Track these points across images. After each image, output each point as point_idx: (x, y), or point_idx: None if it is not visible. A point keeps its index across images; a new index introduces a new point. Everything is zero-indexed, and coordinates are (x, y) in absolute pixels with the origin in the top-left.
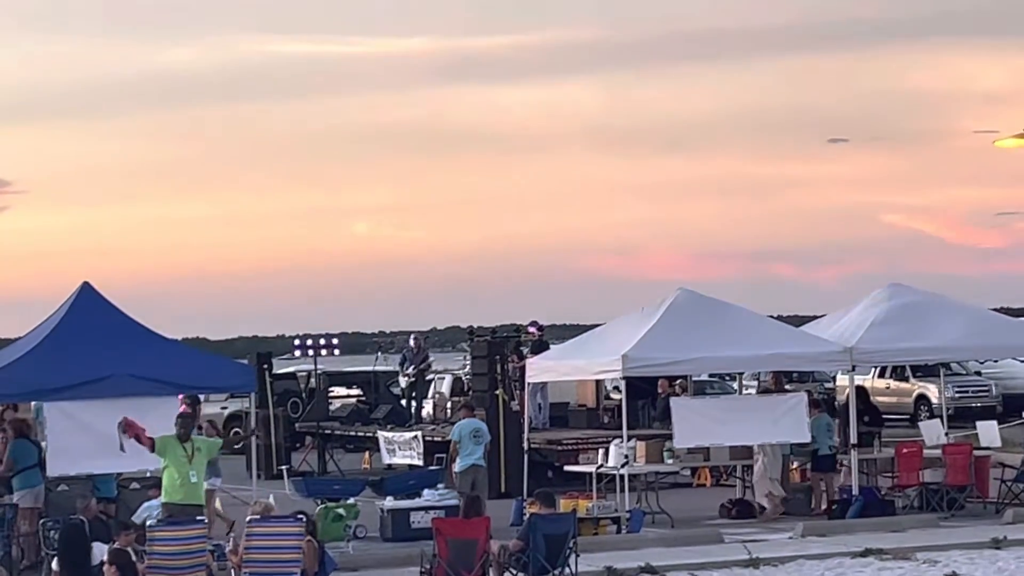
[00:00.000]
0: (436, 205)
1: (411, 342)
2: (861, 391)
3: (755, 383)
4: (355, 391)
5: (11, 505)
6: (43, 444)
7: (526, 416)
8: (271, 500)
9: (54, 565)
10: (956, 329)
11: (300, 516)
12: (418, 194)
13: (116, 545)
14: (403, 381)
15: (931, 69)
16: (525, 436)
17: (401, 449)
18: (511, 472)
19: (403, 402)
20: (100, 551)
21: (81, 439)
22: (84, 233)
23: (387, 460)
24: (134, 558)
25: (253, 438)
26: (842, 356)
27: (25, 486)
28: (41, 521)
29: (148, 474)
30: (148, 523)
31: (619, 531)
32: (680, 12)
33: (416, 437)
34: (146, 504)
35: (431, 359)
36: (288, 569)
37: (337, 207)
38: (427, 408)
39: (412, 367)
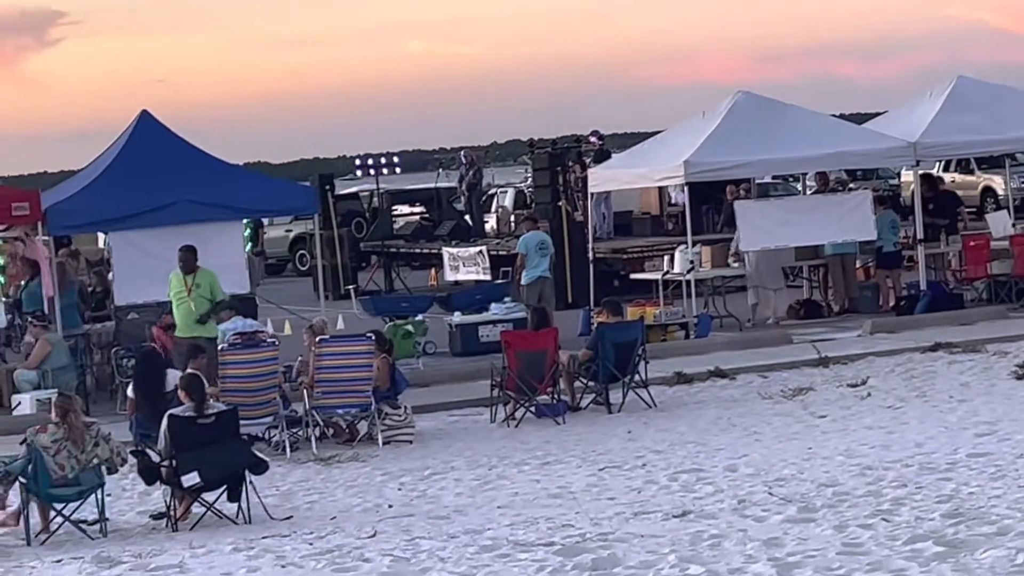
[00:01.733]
0: (491, 19)
1: (462, 157)
2: (930, 179)
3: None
4: (418, 208)
5: (83, 335)
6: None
7: (590, 226)
8: (320, 320)
9: (129, 392)
10: (1021, 120)
11: (370, 335)
12: (472, 7)
13: (189, 370)
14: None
15: None
16: (590, 246)
17: (466, 265)
18: (577, 283)
19: (466, 217)
20: (173, 377)
21: (147, 267)
22: (141, 61)
23: (452, 276)
24: (206, 383)
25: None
26: (906, 151)
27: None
28: (114, 350)
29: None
30: (220, 347)
31: (687, 336)
32: None
33: (481, 252)
34: (219, 327)
35: (482, 174)
36: (360, 387)
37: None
38: (490, 222)
39: (463, 183)
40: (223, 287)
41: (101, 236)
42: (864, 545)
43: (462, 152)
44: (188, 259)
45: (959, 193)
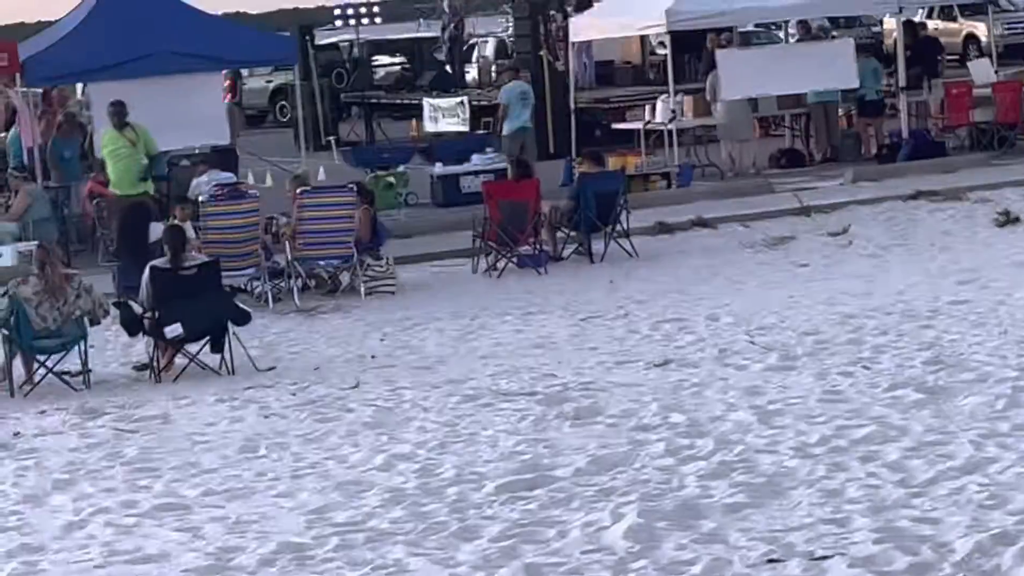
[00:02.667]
0: None
1: (445, 5)
2: (911, 25)
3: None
4: (399, 59)
5: (63, 187)
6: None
7: (571, 76)
8: (304, 170)
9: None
10: None
11: (352, 186)
12: None
13: (173, 221)
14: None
15: None
16: (571, 96)
17: (447, 115)
18: (559, 133)
19: (447, 68)
20: (155, 230)
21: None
22: None
23: (433, 127)
24: (191, 234)
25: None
26: None
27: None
28: (95, 201)
29: (196, 151)
30: (200, 198)
31: (669, 186)
32: None
33: (462, 102)
34: (196, 180)
35: (464, 25)
36: (342, 239)
37: None
38: (471, 73)
39: (445, 32)
40: (205, 139)
41: (79, 87)
42: (844, 392)
43: (446, 2)
44: (121, 113)
45: (942, 40)
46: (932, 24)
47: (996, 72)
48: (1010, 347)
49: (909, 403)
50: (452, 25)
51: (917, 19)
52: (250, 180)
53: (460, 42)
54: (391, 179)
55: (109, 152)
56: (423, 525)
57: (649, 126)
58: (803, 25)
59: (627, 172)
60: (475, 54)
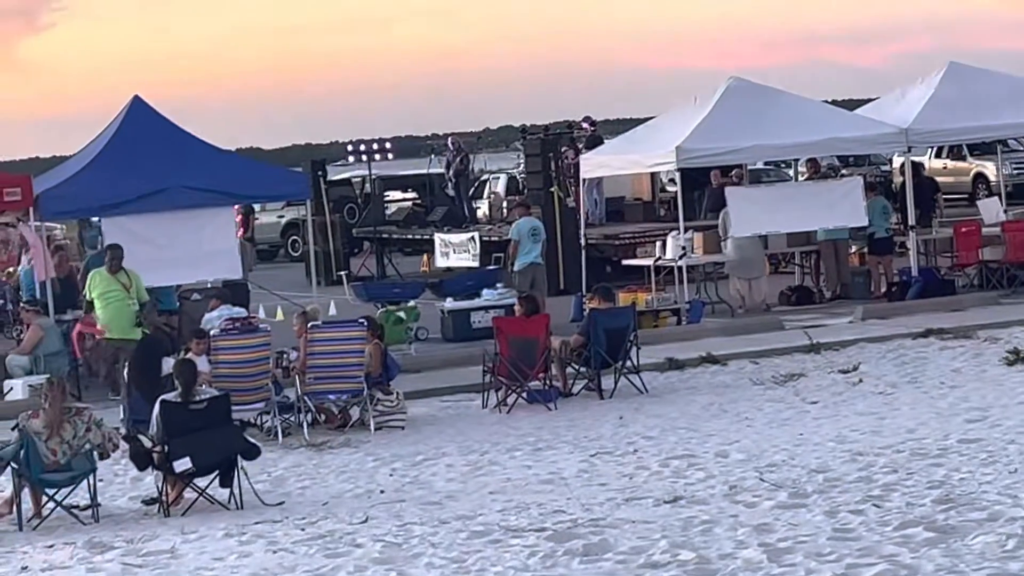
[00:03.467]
0: (483, 3)
1: (449, 144)
2: (913, 165)
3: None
4: (410, 194)
5: (72, 321)
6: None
7: (582, 212)
8: (313, 307)
9: (125, 375)
10: (1013, 106)
11: (362, 320)
12: None
13: (188, 353)
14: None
15: None
16: (582, 232)
17: (458, 251)
18: (569, 269)
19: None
20: (166, 364)
21: (140, 253)
22: (131, 47)
23: (444, 262)
24: (204, 367)
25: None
26: (897, 137)
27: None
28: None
29: (209, 285)
30: (212, 332)
31: (679, 322)
32: None
33: (472, 238)
34: (208, 315)
35: (470, 160)
36: (352, 373)
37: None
38: (482, 208)
39: (451, 169)
40: (217, 273)
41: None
42: (855, 530)
43: (449, 139)
44: (118, 257)
45: (951, 180)
46: (940, 163)
47: (1005, 211)
48: (1021, 486)
49: (920, 542)
50: (458, 160)
51: (926, 159)
52: (261, 314)
53: (466, 177)
54: (402, 314)
55: (100, 294)
56: None
57: (659, 262)
58: (812, 163)
59: (637, 308)
60: (487, 190)
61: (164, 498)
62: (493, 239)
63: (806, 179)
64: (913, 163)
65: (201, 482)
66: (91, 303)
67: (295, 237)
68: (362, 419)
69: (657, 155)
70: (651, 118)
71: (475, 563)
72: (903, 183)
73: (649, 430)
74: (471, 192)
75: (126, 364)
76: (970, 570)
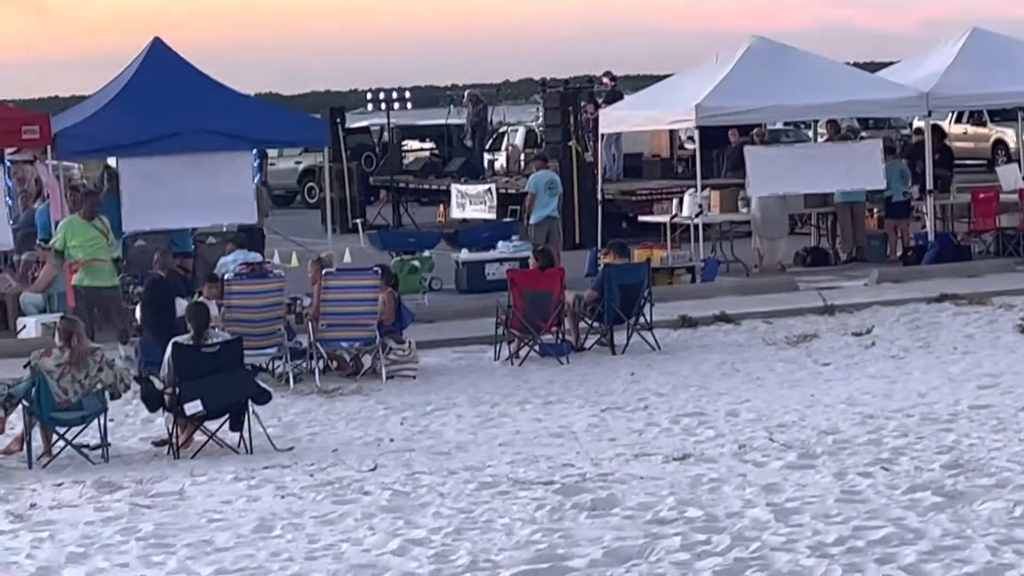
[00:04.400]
0: None
1: (467, 96)
2: (938, 131)
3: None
4: (428, 144)
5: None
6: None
7: (600, 167)
8: (327, 253)
9: (137, 315)
10: None
11: (376, 269)
12: None
13: (200, 297)
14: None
15: None
16: (599, 187)
17: (474, 202)
18: (585, 223)
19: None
20: (179, 306)
21: (156, 195)
22: None
23: (460, 213)
24: (215, 312)
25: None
26: (918, 101)
27: None
28: (120, 276)
29: (224, 228)
30: (226, 277)
31: (693, 280)
32: None
33: (489, 190)
34: (223, 259)
35: (488, 112)
36: (365, 321)
37: None
38: (500, 160)
39: (467, 121)
40: (233, 217)
41: (111, 161)
42: (863, 493)
43: (467, 91)
44: (97, 204)
45: (971, 145)
46: (961, 129)
47: (1023, 178)
48: None
49: (927, 506)
50: (475, 112)
51: (946, 124)
52: (276, 260)
53: (483, 129)
54: (416, 263)
55: (81, 243)
56: None
57: (675, 220)
58: (832, 124)
59: (652, 265)
60: (504, 142)
61: (174, 440)
62: (510, 191)
63: (826, 140)
64: (937, 128)
65: (211, 425)
66: (60, 252)
67: (311, 184)
68: (374, 367)
69: (676, 112)
70: (672, 75)
71: (482, 514)
72: (922, 146)
73: (660, 387)
74: (489, 145)
75: (102, 312)
76: (977, 535)
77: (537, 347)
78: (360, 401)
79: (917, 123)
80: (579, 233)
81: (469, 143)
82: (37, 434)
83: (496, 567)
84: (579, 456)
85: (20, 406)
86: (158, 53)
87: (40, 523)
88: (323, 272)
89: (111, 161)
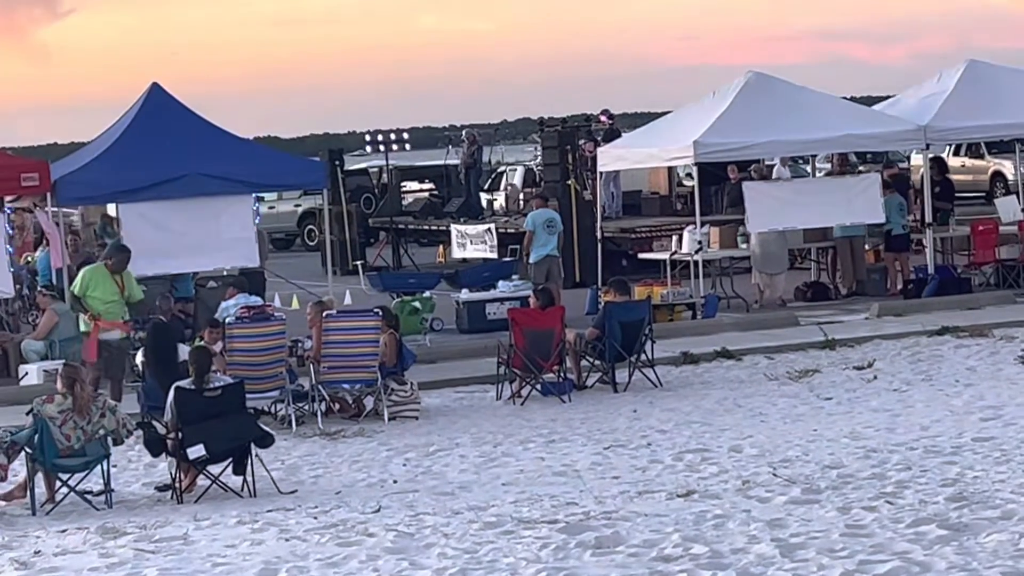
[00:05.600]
0: None
1: (464, 136)
2: (940, 163)
3: (828, 166)
4: (427, 185)
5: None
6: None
7: (599, 205)
8: (329, 298)
9: (138, 360)
10: None
11: (377, 310)
12: None
13: (202, 342)
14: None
15: None
16: (598, 225)
17: (474, 242)
18: (585, 261)
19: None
20: (182, 351)
21: (157, 239)
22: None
23: (460, 253)
24: (216, 353)
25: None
26: (915, 134)
27: None
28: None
29: (225, 272)
30: (227, 321)
31: (694, 317)
32: None
33: (489, 229)
34: (224, 304)
35: (482, 152)
36: (367, 363)
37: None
38: (499, 200)
39: (461, 162)
40: (234, 261)
41: (111, 208)
42: (868, 527)
43: (464, 131)
44: (125, 260)
45: (969, 178)
46: (959, 161)
47: (1023, 210)
48: None
49: (932, 539)
50: (470, 152)
51: (944, 155)
52: (276, 303)
53: (477, 169)
54: (417, 304)
55: (99, 294)
56: None
57: (675, 256)
58: (841, 158)
59: (652, 302)
60: (503, 182)
61: (177, 484)
62: (509, 231)
63: (834, 173)
64: (939, 160)
65: (214, 469)
66: (78, 299)
67: (311, 226)
68: (376, 409)
69: (674, 149)
70: (669, 112)
71: (487, 554)
72: (921, 179)
73: (663, 424)
74: (487, 185)
75: (105, 364)
76: (983, 568)
77: (539, 386)
78: (363, 443)
79: (915, 157)
80: (579, 271)
81: (462, 183)
82: (40, 481)
83: None
84: (583, 494)
85: (23, 453)
86: (157, 98)
87: (45, 570)
88: (324, 314)
89: (110, 209)
